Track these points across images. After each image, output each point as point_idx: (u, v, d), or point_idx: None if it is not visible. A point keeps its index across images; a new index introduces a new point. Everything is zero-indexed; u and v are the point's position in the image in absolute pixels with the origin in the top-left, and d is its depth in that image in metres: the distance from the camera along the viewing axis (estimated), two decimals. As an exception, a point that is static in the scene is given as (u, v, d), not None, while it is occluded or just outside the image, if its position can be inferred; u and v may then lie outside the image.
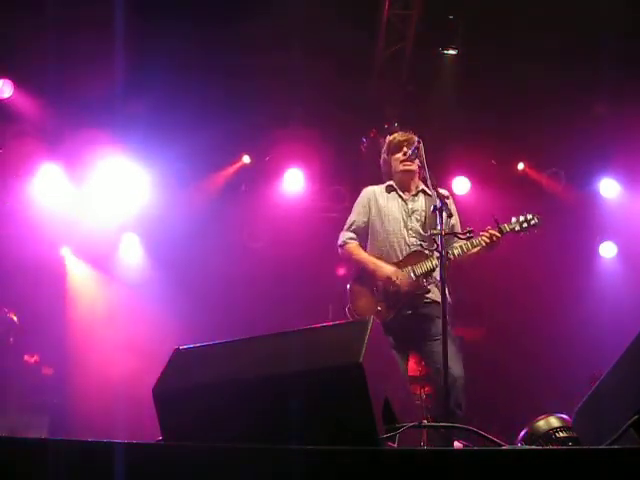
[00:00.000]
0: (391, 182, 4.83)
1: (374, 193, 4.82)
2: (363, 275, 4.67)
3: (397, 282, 4.47)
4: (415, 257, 4.55)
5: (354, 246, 4.74)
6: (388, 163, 4.85)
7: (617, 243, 8.21)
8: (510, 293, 7.80)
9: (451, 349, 3.90)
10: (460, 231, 4.59)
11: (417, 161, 4.57)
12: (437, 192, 4.19)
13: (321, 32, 6.75)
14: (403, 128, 5.04)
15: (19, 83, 7.26)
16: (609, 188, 8.14)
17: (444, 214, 4.05)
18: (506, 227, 4.52)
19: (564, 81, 7.16)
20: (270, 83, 7.22)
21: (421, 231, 4.62)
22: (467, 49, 7.32)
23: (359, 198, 4.90)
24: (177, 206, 7.91)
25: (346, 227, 4.83)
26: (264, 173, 8.31)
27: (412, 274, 4.49)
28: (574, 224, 8.04)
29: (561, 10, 6.67)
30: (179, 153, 7.73)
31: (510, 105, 7.54)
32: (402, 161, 4.71)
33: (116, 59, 6.65)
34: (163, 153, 7.68)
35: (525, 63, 7.06)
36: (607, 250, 8.24)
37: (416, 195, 4.75)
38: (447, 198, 4.28)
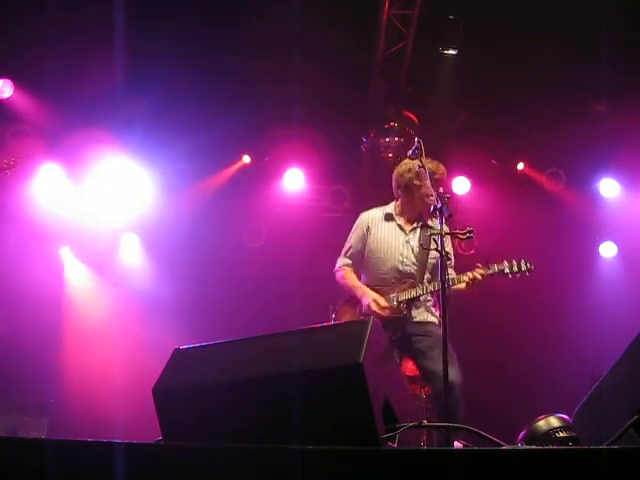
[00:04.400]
0: (390, 210, 4.88)
1: (372, 220, 4.89)
2: (350, 300, 4.83)
3: (374, 309, 4.58)
4: (403, 285, 4.67)
5: (347, 272, 4.90)
6: (416, 186, 4.74)
7: (617, 243, 8.19)
8: (509, 293, 7.78)
9: (438, 364, 3.87)
10: (453, 258, 4.77)
11: (417, 161, 4.56)
12: (437, 192, 4.19)
13: (321, 32, 6.74)
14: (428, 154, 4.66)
15: (19, 83, 7.26)
16: (609, 188, 8.12)
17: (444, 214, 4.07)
18: (495, 268, 4.57)
19: (564, 81, 7.15)
20: (270, 83, 7.21)
21: (415, 260, 4.72)
22: (467, 49, 7.31)
23: (357, 223, 4.98)
24: (177, 206, 7.91)
25: (343, 252, 4.96)
26: (264, 173, 8.30)
27: (395, 301, 4.62)
28: (574, 224, 8.04)
29: (561, 10, 6.67)
30: (179, 153, 7.73)
31: (510, 105, 7.52)
32: (429, 196, 4.58)
33: (116, 59, 6.65)
34: (163, 153, 7.67)
35: (525, 63, 7.06)
36: (607, 250, 8.22)
37: (416, 229, 4.84)
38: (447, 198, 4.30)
